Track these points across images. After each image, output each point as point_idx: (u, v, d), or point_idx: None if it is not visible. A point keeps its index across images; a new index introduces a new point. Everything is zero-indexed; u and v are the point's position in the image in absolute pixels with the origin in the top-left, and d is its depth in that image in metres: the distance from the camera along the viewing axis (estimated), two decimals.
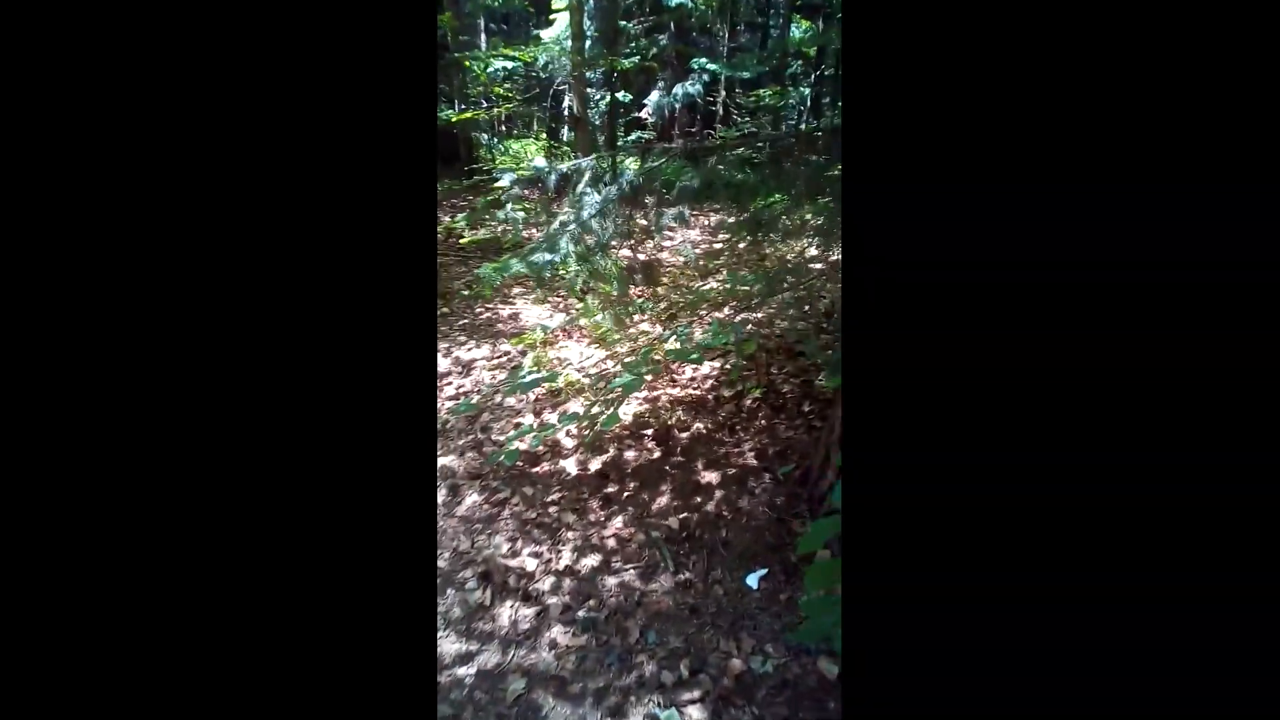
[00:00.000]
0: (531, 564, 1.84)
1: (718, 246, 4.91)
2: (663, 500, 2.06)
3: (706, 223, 5.76)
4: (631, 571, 1.80)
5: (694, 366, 2.81)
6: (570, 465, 2.31)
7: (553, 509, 2.08)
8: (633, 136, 10.34)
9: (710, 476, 2.13)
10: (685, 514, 1.98)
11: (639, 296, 2.84)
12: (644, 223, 2.04)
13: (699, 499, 2.03)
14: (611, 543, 1.91)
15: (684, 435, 2.40)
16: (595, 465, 2.28)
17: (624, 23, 8.33)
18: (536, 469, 2.27)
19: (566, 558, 1.86)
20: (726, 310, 3.53)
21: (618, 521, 1.99)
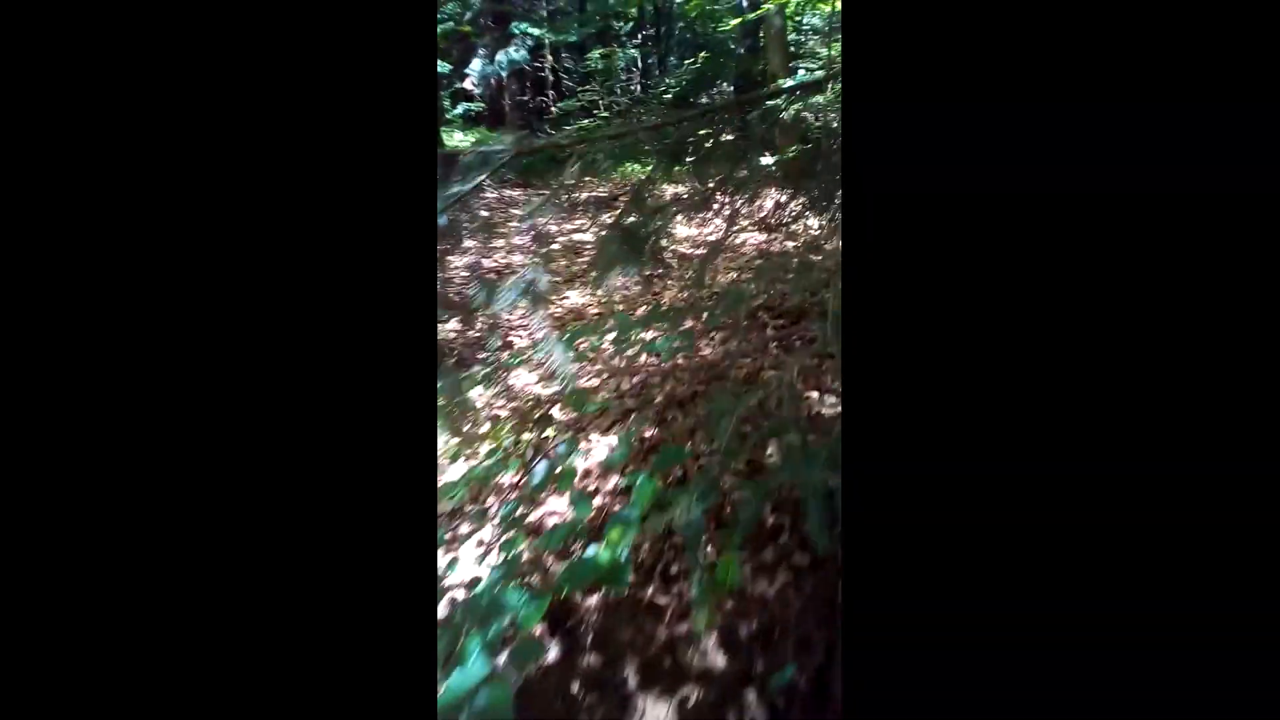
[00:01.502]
0: None
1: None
2: None
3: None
4: None
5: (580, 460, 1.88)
6: None
7: None
8: (460, 109, 9.46)
9: (654, 711, 1.22)
10: None
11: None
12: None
13: None
14: None
15: (590, 603, 1.47)
16: None
17: None
18: None
19: None
20: (612, 341, 2.60)
21: None
